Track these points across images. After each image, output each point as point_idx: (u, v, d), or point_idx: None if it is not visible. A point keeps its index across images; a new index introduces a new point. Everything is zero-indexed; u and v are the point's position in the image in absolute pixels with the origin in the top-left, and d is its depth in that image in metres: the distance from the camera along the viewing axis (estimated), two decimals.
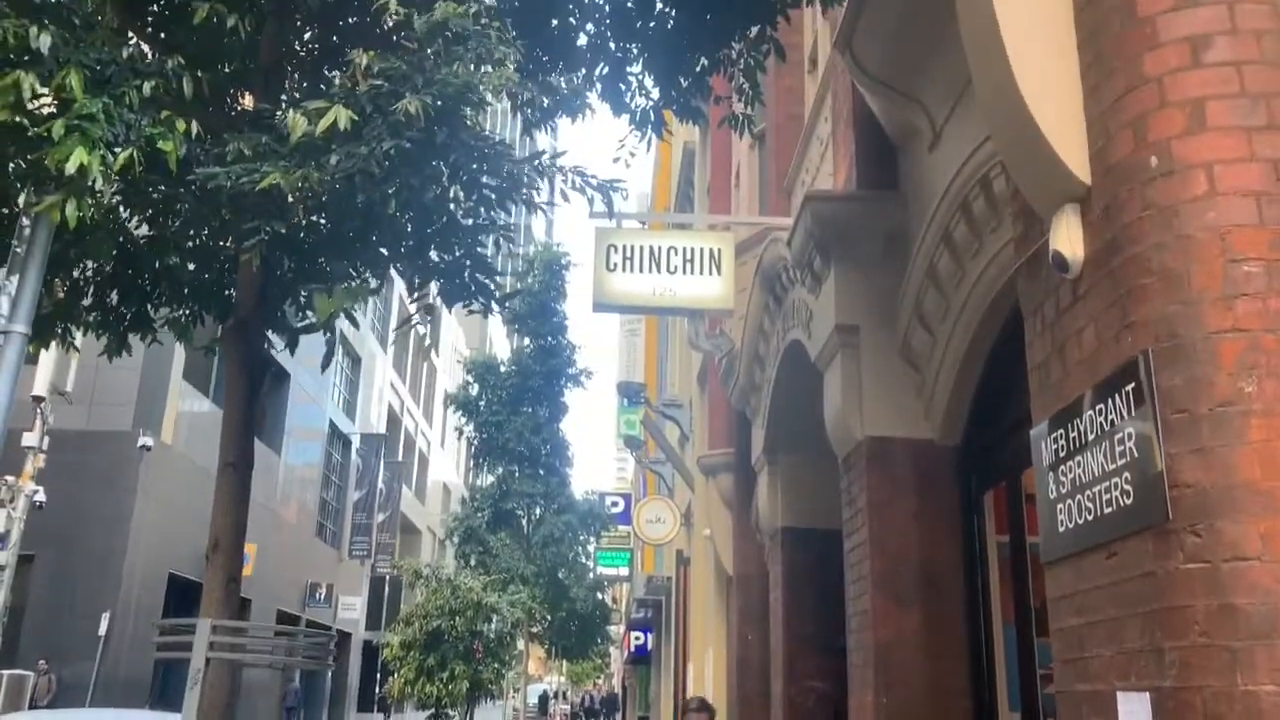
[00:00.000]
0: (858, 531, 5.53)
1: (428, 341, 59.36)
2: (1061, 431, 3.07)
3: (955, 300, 5.08)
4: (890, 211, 5.66)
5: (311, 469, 37.87)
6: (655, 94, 5.80)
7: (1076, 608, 2.95)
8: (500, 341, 63.30)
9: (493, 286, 5.87)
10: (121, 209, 6.14)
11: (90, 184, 4.06)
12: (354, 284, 5.67)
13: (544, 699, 44.42)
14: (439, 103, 4.25)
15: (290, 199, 4.30)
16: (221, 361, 27.88)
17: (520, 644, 23.87)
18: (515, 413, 22.03)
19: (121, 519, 23.34)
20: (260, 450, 30.89)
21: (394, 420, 52.05)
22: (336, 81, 4.40)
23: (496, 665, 10.31)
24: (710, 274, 7.38)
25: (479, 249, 5.65)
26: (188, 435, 26.65)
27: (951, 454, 5.46)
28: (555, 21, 5.43)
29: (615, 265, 7.32)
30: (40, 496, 17.58)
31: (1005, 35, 2.99)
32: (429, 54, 4.42)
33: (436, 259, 5.59)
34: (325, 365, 6.97)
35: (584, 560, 27.15)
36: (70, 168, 4.00)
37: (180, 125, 4.46)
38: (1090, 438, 2.87)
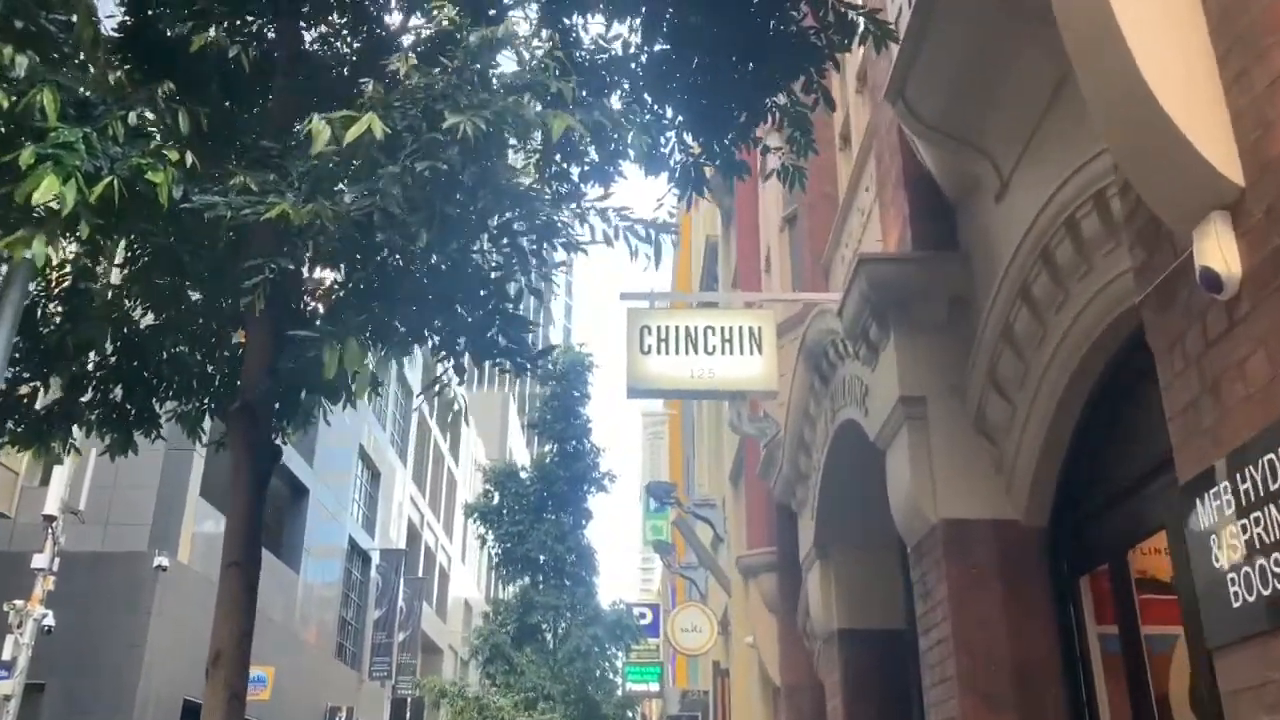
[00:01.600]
0: (937, 627, 4.92)
1: (457, 405, 58.78)
2: (1227, 485, 2.53)
3: (1036, 362, 4.57)
4: (952, 272, 5.20)
5: (331, 587, 36.99)
6: (695, 148, 5.40)
7: (1269, 703, 2.36)
8: (520, 451, 62.68)
9: (524, 342, 5.30)
10: (125, 299, 5.76)
11: (63, 217, 3.63)
12: (368, 340, 5.03)
13: None
14: (489, 129, 3.79)
15: (299, 229, 3.79)
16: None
17: None
18: (538, 521, 21.36)
19: (135, 643, 22.55)
20: (279, 568, 30.30)
21: (414, 535, 51.20)
22: (369, 90, 3.93)
23: None
24: (750, 353, 6.90)
25: (506, 303, 5.13)
26: (204, 554, 26.01)
27: (1039, 535, 4.87)
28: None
29: (650, 347, 6.87)
30: (49, 621, 16.92)
31: (1123, 23, 2.57)
32: (474, 69, 3.95)
33: (463, 313, 5.04)
34: (367, 392, 5.80)
35: (612, 676, 26.06)
36: (39, 198, 3.56)
37: (173, 155, 4.08)
38: (1275, 487, 2.33)
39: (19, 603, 16.27)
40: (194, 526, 25.35)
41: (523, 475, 22.40)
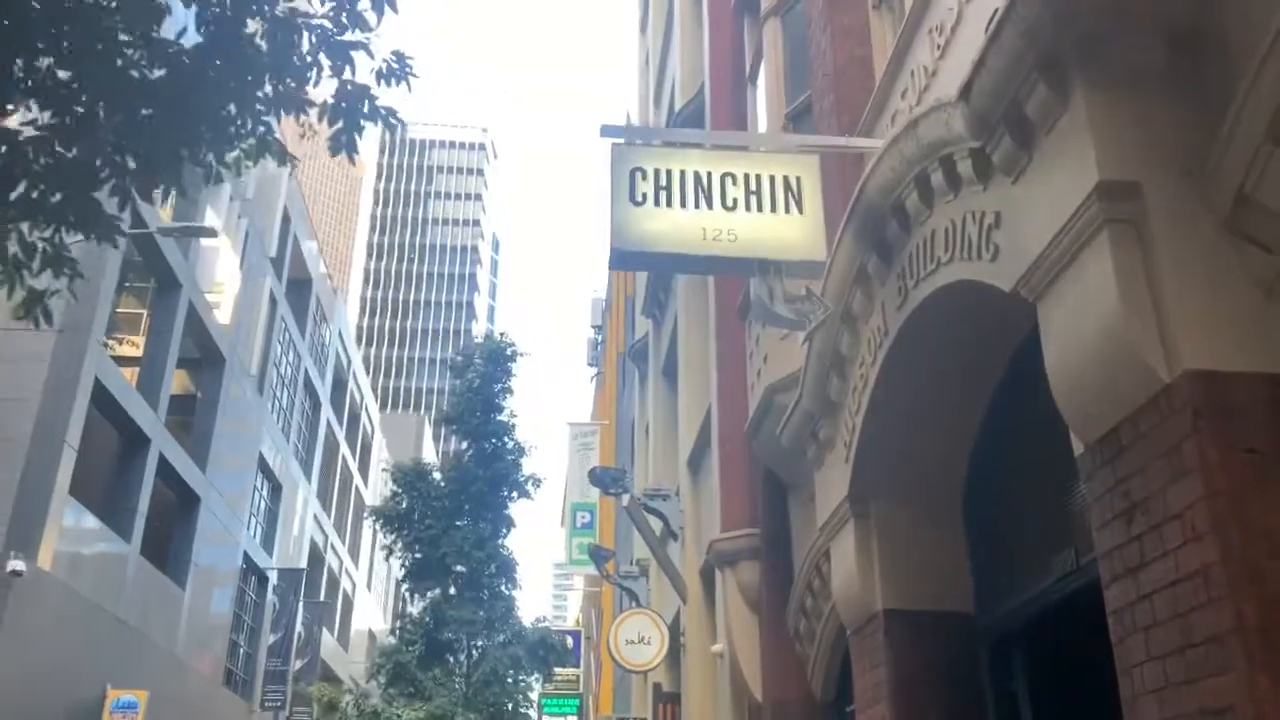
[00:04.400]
0: (1166, 557, 2.91)
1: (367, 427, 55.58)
2: None
3: None
4: None
5: (221, 607, 33.75)
6: None
7: None
8: (430, 456, 59.48)
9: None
10: None
11: None
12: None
13: None
14: None
15: None
16: (118, 476, 24.18)
17: None
18: (452, 526, 18.95)
19: None
20: (162, 584, 27.09)
21: (316, 557, 47.87)
22: None
23: None
24: (786, 210, 4.89)
25: None
26: (72, 563, 22.91)
27: None
28: None
29: (644, 197, 4.80)
30: None
31: None
32: None
33: None
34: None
35: (531, 698, 23.63)
36: None
37: None
38: None
39: None
40: (61, 528, 22.28)
41: (435, 476, 19.97)
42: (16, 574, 19.73)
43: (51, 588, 21.56)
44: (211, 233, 18.70)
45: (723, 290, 9.34)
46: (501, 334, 21.30)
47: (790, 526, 8.60)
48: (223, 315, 32.94)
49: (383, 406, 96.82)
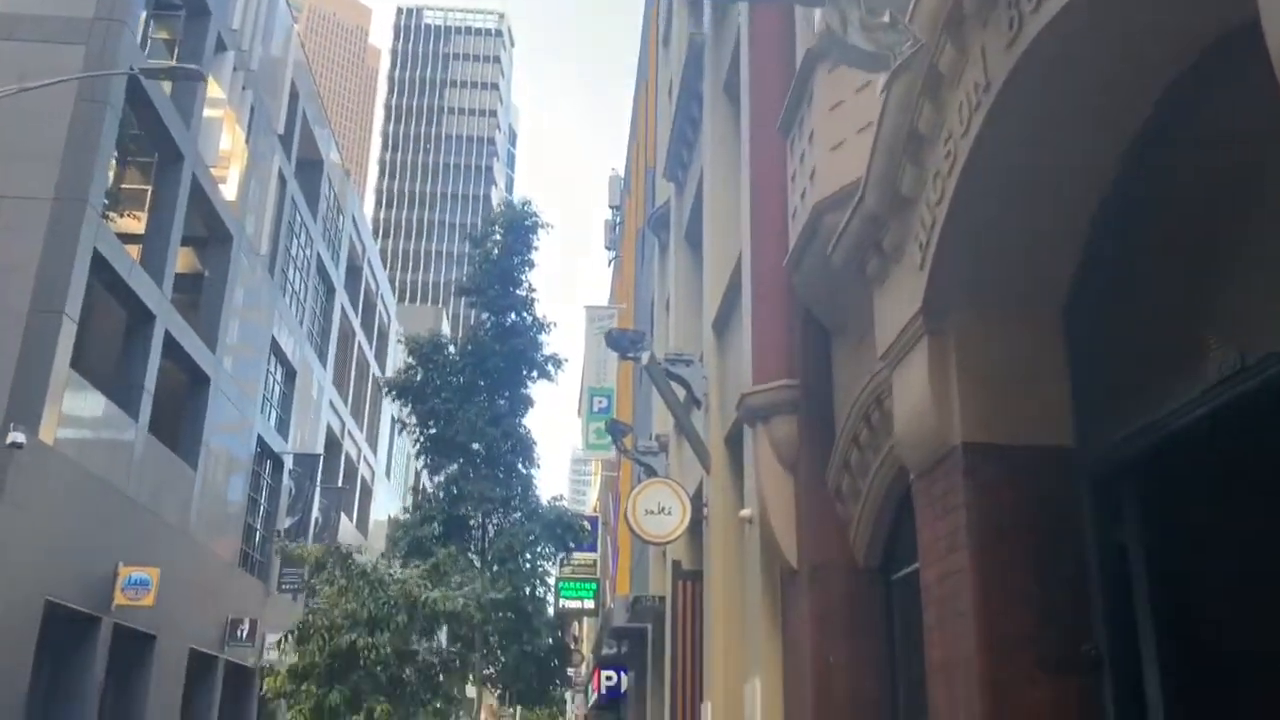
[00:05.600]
0: None
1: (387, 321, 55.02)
2: None
3: None
4: None
5: (235, 490, 33.51)
6: None
7: None
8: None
9: None
10: None
11: None
12: None
13: None
14: None
15: None
16: (124, 354, 23.44)
17: (470, 685, 19.82)
18: (468, 401, 18.14)
19: None
20: (173, 462, 26.64)
21: (333, 443, 47.67)
22: None
23: (438, 704, 6.52)
24: None
25: None
26: (76, 438, 22.38)
27: None
28: None
29: None
30: None
31: None
32: None
33: None
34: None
35: (548, 582, 23.18)
36: None
37: None
38: None
39: None
40: (63, 402, 21.67)
41: (451, 350, 19.08)
42: (17, 446, 19.16)
43: (56, 463, 21.05)
44: (198, 75, 17.52)
45: (759, 106, 8.21)
46: (524, 202, 20.11)
47: (832, 376, 7.65)
48: (229, 191, 31.85)
49: (399, 300, 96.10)
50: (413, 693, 6.88)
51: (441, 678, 7.12)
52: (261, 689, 6.43)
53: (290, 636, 6.83)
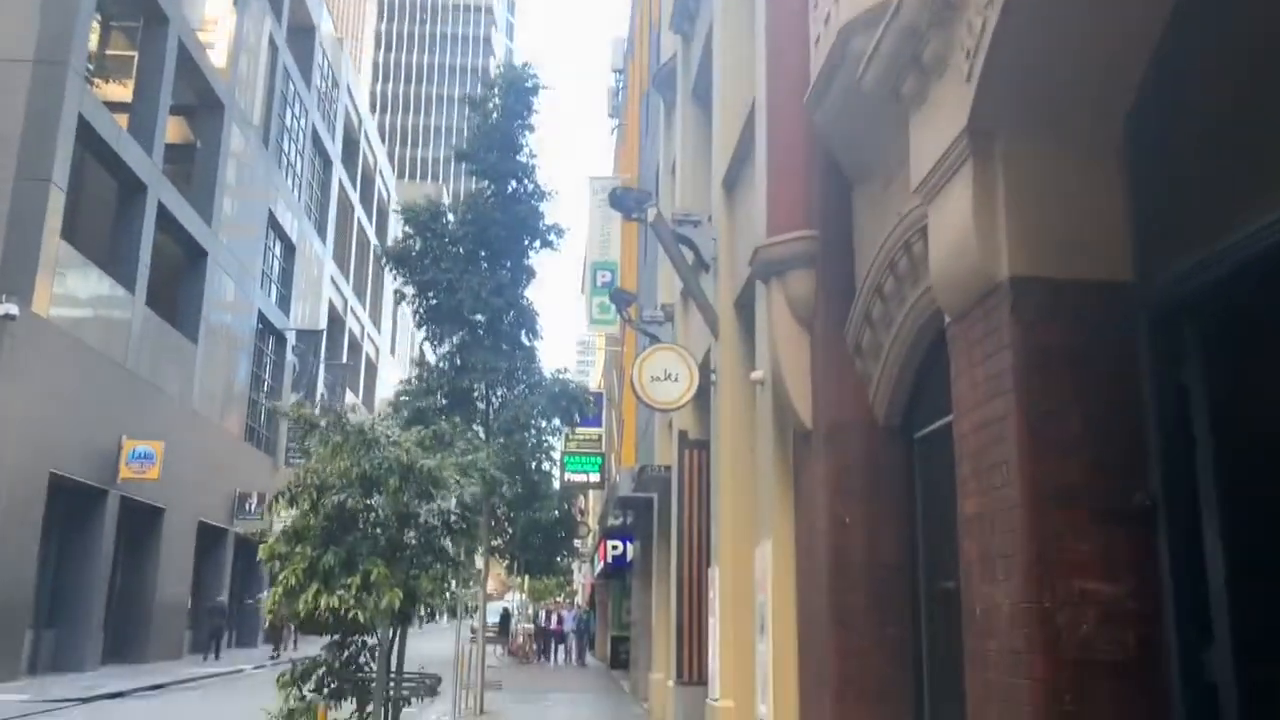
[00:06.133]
0: None
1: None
2: None
3: None
4: None
5: (239, 366, 33.36)
6: None
7: None
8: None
9: None
10: None
11: None
12: None
13: (505, 617, 40.82)
14: None
15: None
16: (117, 225, 22.89)
17: (479, 558, 19.89)
18: (469, 271, 17.64)
19: None
20: (172, 337, 26.32)
21: (336, 320, 47.43)
22: None
23: (441, 566, 6.31)
24: None
25: None
26: (71, 311, 22.04)
27: None
28: None
29: None
30: None
31: None
32: None
33: None
34: None
35: (554, 457, 23.11)
36: None
37: None
38: None
39: None
40: (55, 274, 21.23)
41: (450, 219, 18.48)
42: (9, 318, 18.83)
43: (52, 336, 20.76)
44: None
45: None
46: (524, 64, 19.19)
47: (853, 227, 7.18)
48: (218, 58, 30.74)
49: (399, 177, 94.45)
50: (413, 556, 6.60)
51: (446, 542, 6.85)
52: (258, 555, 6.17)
53: (280, 498, 6.51)
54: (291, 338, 38.49)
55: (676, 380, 11.06)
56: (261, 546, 6.56)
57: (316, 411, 6.99)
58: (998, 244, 4.11)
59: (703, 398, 12.30)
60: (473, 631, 18.82)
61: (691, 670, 12.83)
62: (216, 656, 27.74)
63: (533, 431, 19.14)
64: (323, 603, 6.04)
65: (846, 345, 6.94)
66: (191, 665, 25.51)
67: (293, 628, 27.57)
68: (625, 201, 10.82)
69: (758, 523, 8.83)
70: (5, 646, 19.35)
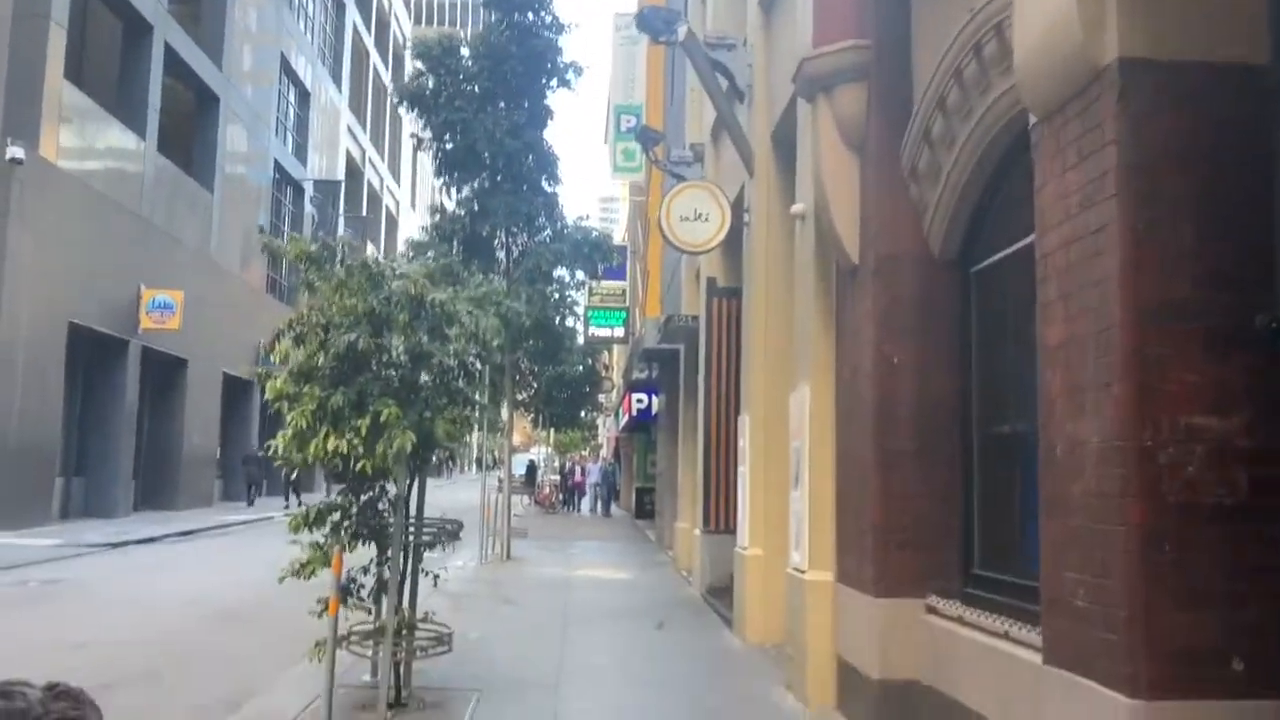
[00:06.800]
0: None
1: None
2: None
3: None
4: None
5: (257, 217, 32.77)
6: None
7: None
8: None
9: None
10: None
11: None
12: None
13: (531, 469, 41.27)
14: None
15: None
16: (124, 67, 21.81)
17: (504, 410, 19.72)
18: (484, 110, 16.78)
19: None
20: (187, 185, 25.63)
21: (354, 172, 46.53)
22: None
23: (456, 409, 5.90)
24: None
25: None
26: (80, 155, 21.39)
27: None
28: None
29: None
30: None
31: None
32: None
33: None
34: None
35: (577, 312, 22.60)
36: None
37: None
38: None
39: None
40: (60, 116, 20.51)
41: (464, 54, 17.49)
42: (16, 161, 18.24)
43: (62, 181, 20.19)
44: None
45: None
46: None
47: (911, 35, 6.43)
48: None
49: (415, 23, 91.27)
50: (427, 398, 6.17)
51: (462, 383, 6.41)
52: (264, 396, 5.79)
53: (284, 336, 6.05)
54: (309, 189, 37.77)
55: (707, 220, 10.42)
56: (268, 385, 6.15)
57: (314, 248, 6.43)
58: (1103, 21, 3.44)
59: (733, 243, 11.69)
60: (499, 482, 18.81)
61: (718, 519, 12.66)
62: (251, 504, 28.26)
63: (555, 286, 18.59)
64: (330, 445, 5.65)
65: (900, 170, 6.30)
66: (222, 513, 25.90)
67: (325, 478, 27.92)
68: (653, 22, 9.96)
69: (793, 368, 8.36)
70: (36, 493, 19.52)
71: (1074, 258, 3.63)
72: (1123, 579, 3.25)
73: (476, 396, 6.64)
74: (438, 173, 18.17)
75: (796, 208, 7.76)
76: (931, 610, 5.87)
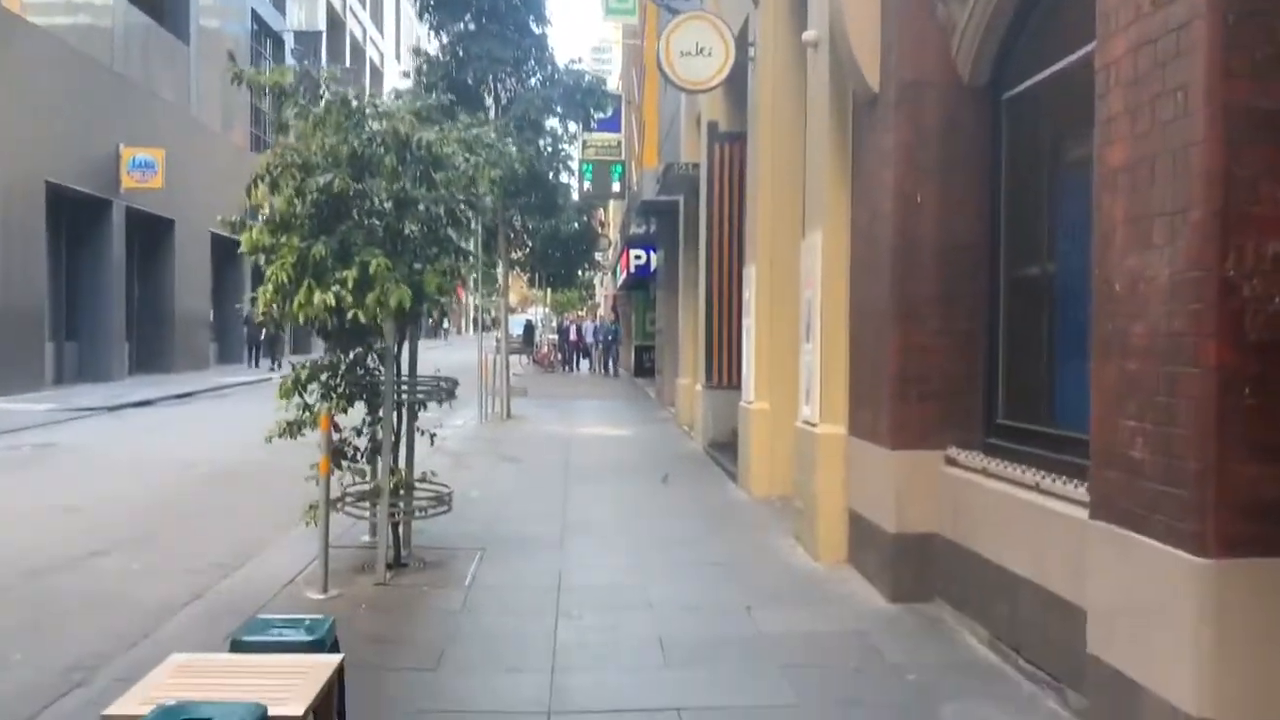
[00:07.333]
0: None
1: None
2: None
3: None
4: None
5: (234, 60, 31.46)
6: None
7: None
8: None
9: None
10: None
11: None
12: None
13: (529, 329, 41.04)
14: None
15: None
16: None
17: (499, 271, 19.28)
18: None
19: None
20: (163, 39, 24.41)
21: (336, 23, 44.67)
22: None
23: (446, 259, 5.48)
24: None
25: None
26: (47, 7, 20.27)
27: None
28: None
29: None
30: None
31: None
32: None
33: None
34: None
35: (571, 167, 21.80)
36: None
37: None
38: None
39: None
40: None
41: None
42: None
43: (30, 34, 19.17)
44: None
45: None
46: None
47: None
48: None
49: None
50: (416, 248, 5.73)
51: (450, 231, 5.97)
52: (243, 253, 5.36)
53: (260, 181, 5.56)
54: (289, 40, 36.29)
55: (710, 55, 9.76)
56: (243, 236, 5.71)
57: (290, 79, 5.86)
58: None
59: (736, 84, 11.03)
60: (497, 342, 18.51)
61: (720, 374, 12.40)
62: (256, 365, 28.16)
63: (547, 138, 17.80)
64: (316, 299, 5.24)
65: None
66: (219, 375, 25.72)
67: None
68: None
69: (803, 215, 7.90)
70: (24, 357, 19.21)
71: (1148, 63, 3.15)
72: (1193, 427, 2.91)
73: (467, 245, 6.21)
74: (420, 14, 17.20)
75: (809, 35, 7.15)
76: (951, 462, 5.60)
